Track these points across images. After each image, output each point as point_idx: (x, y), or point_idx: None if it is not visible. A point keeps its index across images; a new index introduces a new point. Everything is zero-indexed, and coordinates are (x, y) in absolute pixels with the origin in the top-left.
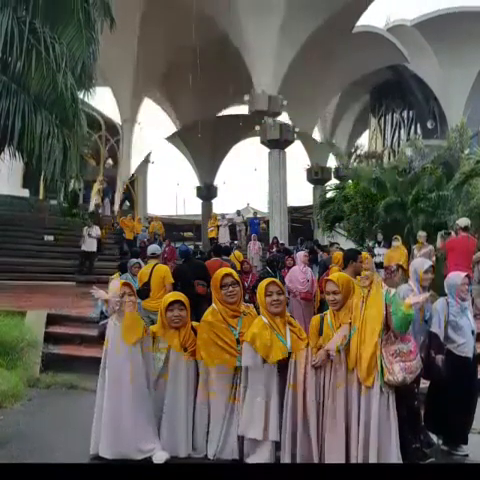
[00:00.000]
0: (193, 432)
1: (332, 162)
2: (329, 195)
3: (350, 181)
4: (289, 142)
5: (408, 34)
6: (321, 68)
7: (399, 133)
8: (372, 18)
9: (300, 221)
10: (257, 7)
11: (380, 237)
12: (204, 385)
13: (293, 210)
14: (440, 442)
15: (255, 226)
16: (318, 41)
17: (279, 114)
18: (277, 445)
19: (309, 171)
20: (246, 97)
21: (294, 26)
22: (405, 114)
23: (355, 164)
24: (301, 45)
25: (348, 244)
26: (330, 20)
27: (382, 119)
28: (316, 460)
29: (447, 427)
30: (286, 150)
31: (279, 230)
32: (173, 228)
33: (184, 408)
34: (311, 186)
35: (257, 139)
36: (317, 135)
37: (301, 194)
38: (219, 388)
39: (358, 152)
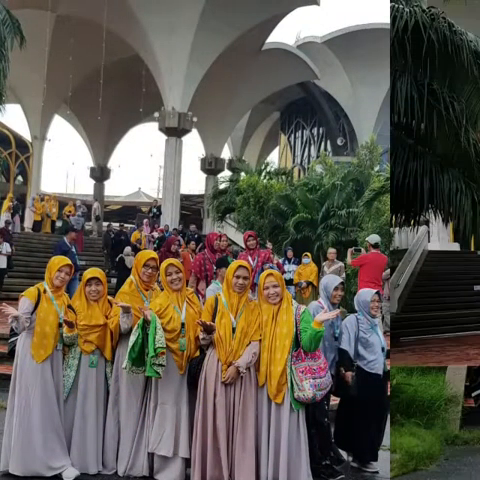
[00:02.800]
0: (103, 449)
1: (226, 153)
2: (222, 186)
3: (243, 174)
4: (186, 131)
5: (318, 51)
6: (231, 86)
7: (309, 150)
8: (282, 35)
9: (190, 209)
10: (167, 26)
11: (290, 254)
12: (114, 402)
13: (184, 198)
14: (350, 459)
15: None
16: (228, 59)
17: (189, 131)
18: (187, 462)
19: (203, 161)
20: (156, 114)
21: (204, 44)
22: (315, 131)
23: (265, 181)
24: (211, 63)
25: (237, 236)
26: (240, 38)
27: (292, 136)
28: (226, 478)
29: (357, 444)
30: (182, 138)
31: (171, 217)
32: (63, 207)
33: (94, 425)
34: (203, 176)
35: (154, 125)
36: (227, 152)
37: (192, 183)
38: (129, 405)
39: (268, 169)
